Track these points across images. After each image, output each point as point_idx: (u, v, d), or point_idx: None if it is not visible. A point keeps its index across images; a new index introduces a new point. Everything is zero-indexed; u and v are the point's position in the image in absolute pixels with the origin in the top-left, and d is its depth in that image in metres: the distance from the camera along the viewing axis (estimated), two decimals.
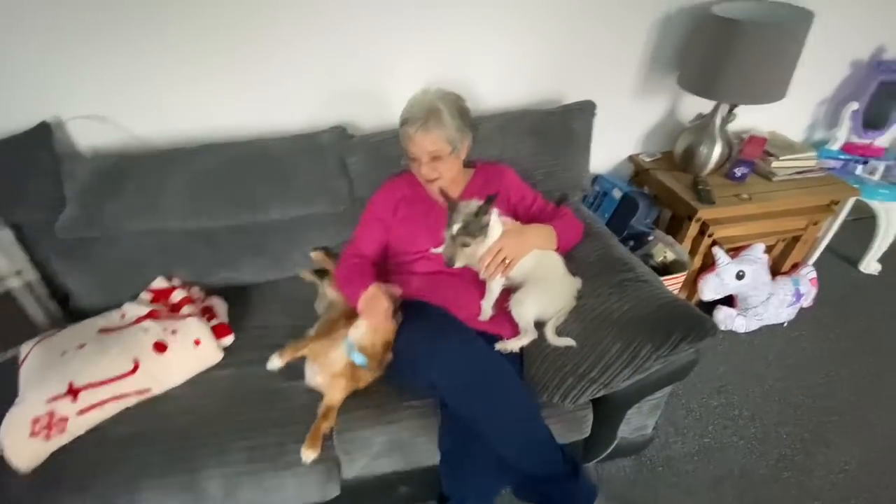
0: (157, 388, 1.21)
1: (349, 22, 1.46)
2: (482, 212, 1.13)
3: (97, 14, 1.31)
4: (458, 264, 1.16)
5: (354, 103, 1.61)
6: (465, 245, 1.13)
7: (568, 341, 1.15)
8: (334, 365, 1.13)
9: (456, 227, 1.12)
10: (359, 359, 1.12)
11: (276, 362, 1.20)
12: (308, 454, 1.07)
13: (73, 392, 1.11)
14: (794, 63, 1.52)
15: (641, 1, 1.61)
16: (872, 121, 2.03)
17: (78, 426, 1.12)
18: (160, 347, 1.20)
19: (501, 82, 1.68)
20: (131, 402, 1.18)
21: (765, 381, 1.78)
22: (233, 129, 1.57)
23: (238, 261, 1.46)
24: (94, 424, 1.14)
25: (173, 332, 1.23)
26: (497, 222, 1.18)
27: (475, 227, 1.12)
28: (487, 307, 1.22)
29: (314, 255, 1.50)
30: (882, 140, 2.09)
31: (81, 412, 1.11)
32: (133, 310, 1.31)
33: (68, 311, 1.43)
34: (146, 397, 1.20)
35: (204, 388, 1.22)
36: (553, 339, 1.17)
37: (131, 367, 1.17)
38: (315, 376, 1.16)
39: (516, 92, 1.71)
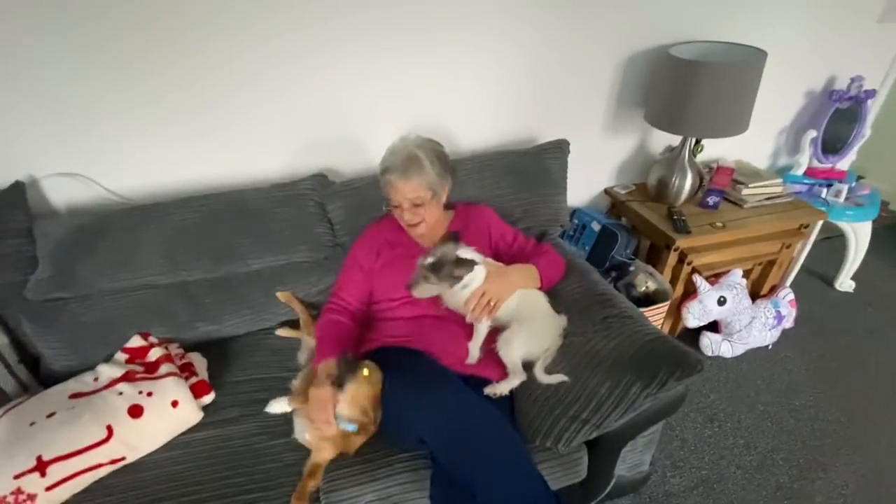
0: (133, 456, 1.15)
1: (325, 70, 1.49)
2: (460, 264, 1.14)
3: (69, 70, 1.31)
4: (416, 294, 1.17)
5: (334, 150, 1.63)
6: (426, 279, 1.15)
7: (559, 377, 1.14)
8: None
9: (428, 261, 1.15)
10: (351, 427, 1.08)
11: (276, 407, 1.18)
12: None
13: (41, 466, 1.05)
14: (753, 98, 1.60)
15: (605, 45, 1.70)
16: (832, 145, 2.14)
17: (47, 502, 1.05)
18: (135, 412, 1.15)
19: (477, 124, 1.73)
20: (104, 472, 1.12)
21: (755, 407, 1.78)
22: (211, 179, 1.57)
23: (218, 314, 1.43)
24: (64, 499, 1.07)
25: (149, 394, 1.18)
26: (481, 266, 1.19)
27: (444, 272, 1.14)
28: (475, 350, 1.21)
29: (280, 295, 1.46)
30: (842, 163, 2.20)
31: (50, 488, 1.05)
32: (107, 371, 1.26)
33: (39, 376, 1.36)
34: (120, 466, 1.13)
35: (183, 452, 1.16)
36: (544, 378, 1.16)
37: (104, 434, 1.11)
38: (304, 433, 1.12)
39: (492, 133, 1.76)
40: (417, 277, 1.16)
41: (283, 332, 1.49)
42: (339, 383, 1.08)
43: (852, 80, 2.00)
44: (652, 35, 1.72)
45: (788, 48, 1.88)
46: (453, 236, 1.21)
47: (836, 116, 2.06)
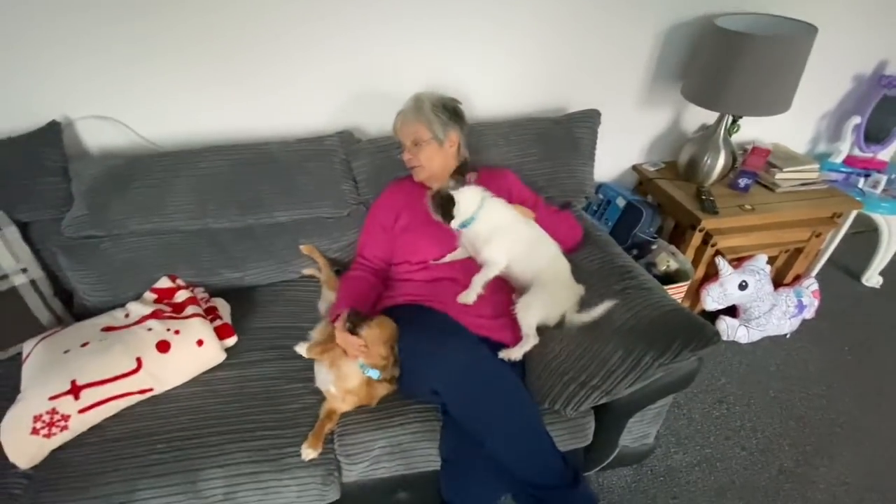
0: (159, 388, 1.21)
1: (357, 29, 1.47)
2: (444, 199, 1.19)
3: (107, 15, 1.32)
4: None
5: (362, 108, 1.63)
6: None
7: (604, 306, 1.16)
8: (348, 380, 1.13)
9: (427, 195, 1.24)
10: (374, 374, 1.12)
11: (302, 350, 1.24)
12: (308, 452, 1.07)
13: (75, 390, 1.11)
14: (798, 76, 1.53)
15: (646, 12, 1.63)
16: (875, 134, 2.04)
17: (79, 424, 1.12)
18: (163, 347, 1.20)
19: (507, 90, 1.70)
20: (133, 401, 1.18)
21: (767, 392, 1.77)
22: (240, 131, 1.58)
23: (242, 263, 1.46)
24: (95, 423, 1.14)
25: (176, 331, 1.23)
26: (470, 203, 1.21)
27: (436, 207, 1.20)
28: (476, 286, 1.19)
29: (304, 248, 1.49)
30: (884, 154, 2.11)
31: (83, 410, 1.11)
32: (137, 309, 1.31)
33: (72, 310, 1.43)
34: (148, 396, 1.20)
35: (206, 389, 1.22)
36: (583, 317, 1.18)
37: (134, 366, 1.17)
38: (328, 384, 1.15)
39: (522, 100, 1.73)
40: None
41: (308, 271, 1.52)
42: (353, 331, 1.11)
43: None
44: (697, 4, 1.65)
45: (840, 26, 1.78)
46: (459, 177, 1.25)
47: (883, 104, 1.97)
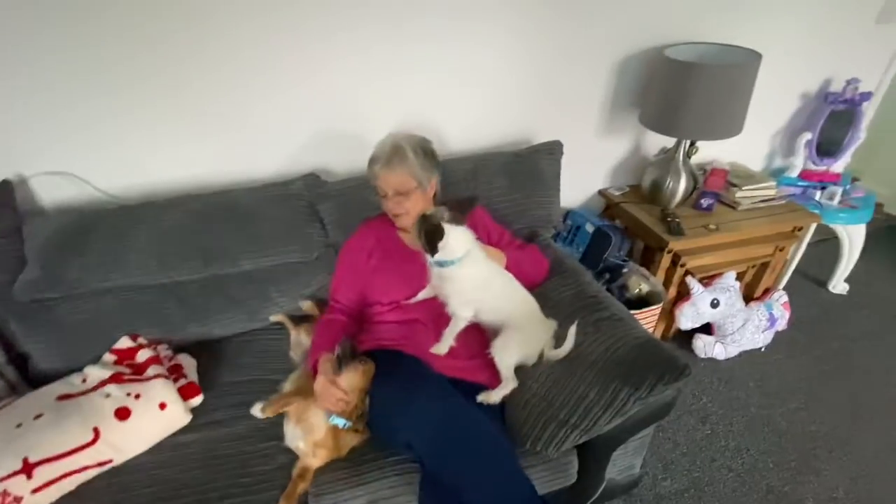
0: (120, 458, 1.14)
1: (317, 70, 1.48)
2: (435, 232, 1.11)
3: (59, 68, 1.29)
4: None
5: (327, 149, 1.62)
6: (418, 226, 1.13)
7: (572, 332, 1.17)
8: (315, 432, 1.09)
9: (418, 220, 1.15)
10: (340, 422, 1.08)
11: (257, 412, 1.17)
12: None
13: (27, 468, 1.04)
14: (748, 100, 1.59)
15: (599, 46, 1.69)
16: (826, 148, 2.13)
17: None
18: (123, 414, 1.14)
19: (471, 125, 1.72)
20: (91, 474, 1.11)
21: (748, 409, 1.78)
22: (202, 179, 1.55)
23: (208, 315, 1.42)
24: (50, 501, 1.07)
25: (137, 396, 1.17)
26: (456, 244, 1.14)
27: (422, 230, 1.11)
28: (447, 339, 1.18)
29: (304, 304, 1.47)
30: (837, 166, 2.20)
31: (36, 490, 1.04)
32: (95, 373, 1.25)
33: (27, 376, 1.35)
34: (107, 468, 1.13)
35: (170, 456, 1.15)
36: (557, 353, 1.16)
37: (91, 437, 1.10)
38: (297, 440, 1.10)
39: (486, 134, 1.75)
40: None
41: (276, 318, 1.48)
42: (339, 364, 1.09)
43: (848, 82, 1.99)
44: (647, 36, 1.71)
45: (784, 50, 1.88)
46: (457, 214, 1.15)
47: (832, 119, 2.06)
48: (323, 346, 1.19)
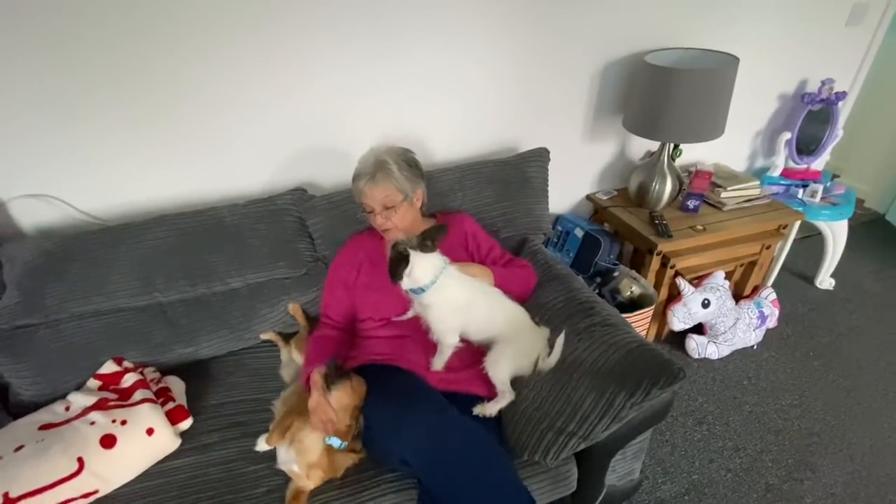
0: (106, 488, 1.10)
1: (302, 85, 1.47)
2: (402, 260, 1.09)
3: (38, 91, 1.27)
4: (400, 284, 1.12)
5: (313, 163, 1.61)
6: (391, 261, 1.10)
7: (560, 341, 1.17)
8: (309, 453, 1.06)
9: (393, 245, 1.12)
10: (335, 442, 1.06)
11: (262, 446, 1.13)
12: None
13: (8, 503, 1.00)
14: (728, 102, 1.62)
15: (581, 53, 1.71)
16: (806, 147, 2.18)
17: None
18: (108, 442, 1.10)
19: (457, 135, 1.72)
20: None
21: (743, 408, 1.78)
22: (186, 197, 1.53)
23: (196, 335, 1.39)
24: None
25: (123, 422, 1.13)
26: (448, 283, 1.14)
27: (392, 261, 1.10)
28: (439, 364, 1.19)
29: (290, 306, 1.45)
30: (817, 164, 2.24)
31: None
32: (79, 400, 1.21)
33: (8, 406, 1.30)
34: (93, 500, 1.08)
35: (159, 483, 1.12)
36: (550, 363, 1.15)
37: (75, 467, 1.06)
38: (290, 463, 1.08)
39: (472, 143, 1.76)
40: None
41: (266, 336, 1.45)
42: (327, 385, 1.07)
43: (823, 82, 2.04)
44: (627, 43, 1.74)
45: (760, 53, 1.92)
46: (429, 243, 1.14)
47: (809, 118, 2.10)
48: (315, 361, 1.17)
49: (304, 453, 1.06)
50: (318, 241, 1.50)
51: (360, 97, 1.55)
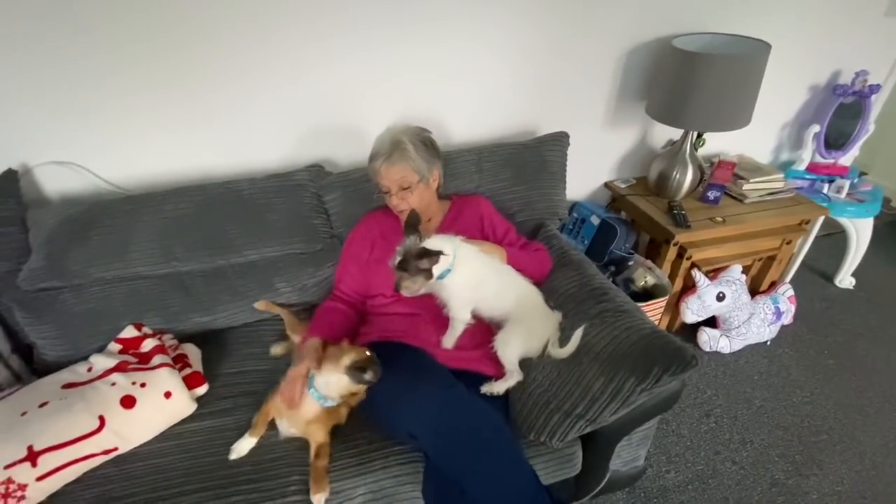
0: (125, 447, 1.14)
1: (323, 62, 1.47)
2: (424, 255, 1.09)
3: (64, 58, 1.29)
4: (405, 293, 1.13)
5: (331, 140, 1.62)
6: (402, 279, 1.11)
7: (576, 337, 1.14)
8: (303, 415, 1.09)
9: (396, 260, 1.11)
10: (322, 400, 1.08)
11: (244, 445, 1.12)
12: (319, 497, 1.02)
13: (32, 456, 1.04)
14: (756, 91, 1.57)
15: (606, 36, 1.67)
16: (834, 141, 2.11)
17: (38, 493, 1.04)
18: (128, 402, 1.14)
19: (476, 116, 1.71)
20: (96, 462, 1.11)
21: (752, 403, 1.77)
22: (207, 169, 1.55)
23: (212, 305, 1.41)
24: (55, 490, 1.07)
25: (142, 384, 1.17)
26: (449, 255, 1.13)
27: (412, 268, 1.09)
28: (449, 342, 1.20)
29: (259, 304, 1.44)
30: (845, 159, 2.17)
31: (41, 478, 1.04)
32: (100, 362, 1.25)
33: (33, 365, 1.36)
34: (113, 456, 1.13)
35: (176, 444, 1.15)
36: (561, 351, 1.15)
37: (96, 425, 1.10)
38: (289, 429, 1.11)
39: (491, 125, 1.74)
40: (397, 278, 1.13)
41: (260, 306, 1.44)
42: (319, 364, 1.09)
43: (857, 74, 1.97)
44: (654, 26, 1.69)
45: (793, 41, 1.85)
46: (412, 226, 1.14)
47: (840, 111, 2.04)
48: (317, 329, 1.19)
49: (297, 418, 1.09)
50: (333, 218, 1.51)
51: (380, 77, 1.54)
